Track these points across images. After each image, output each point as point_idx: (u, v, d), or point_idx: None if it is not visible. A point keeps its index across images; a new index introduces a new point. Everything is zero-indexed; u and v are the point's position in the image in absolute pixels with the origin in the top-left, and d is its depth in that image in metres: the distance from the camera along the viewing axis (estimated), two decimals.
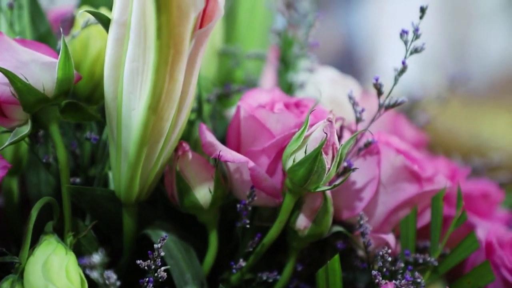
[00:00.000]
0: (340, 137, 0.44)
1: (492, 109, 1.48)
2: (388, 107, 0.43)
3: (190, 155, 0.41)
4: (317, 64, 0.50)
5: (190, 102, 0.40)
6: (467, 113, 1.50)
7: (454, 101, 1.54)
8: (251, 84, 0.51)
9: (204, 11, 0.38)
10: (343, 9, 3.01)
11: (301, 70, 0.49)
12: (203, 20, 0.38)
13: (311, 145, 0.39)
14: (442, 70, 1.48)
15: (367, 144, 0.43)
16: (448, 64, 1.49)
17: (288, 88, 0.49)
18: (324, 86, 0.49)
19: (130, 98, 0.38)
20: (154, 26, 0.36)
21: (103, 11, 0.45)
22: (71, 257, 0.38)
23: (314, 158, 0.39)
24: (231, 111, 0.47)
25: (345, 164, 0.42)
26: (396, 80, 0.42)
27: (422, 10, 0.41)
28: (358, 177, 0.43)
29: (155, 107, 0.37)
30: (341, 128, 0.44)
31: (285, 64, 0.49)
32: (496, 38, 1.44)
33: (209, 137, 0.41)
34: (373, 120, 0.43)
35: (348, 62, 2.76)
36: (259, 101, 0.43)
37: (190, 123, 0.45)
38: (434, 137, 1.56)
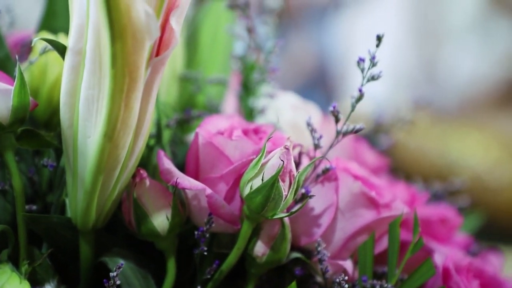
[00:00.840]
0: (298, 164, 0.44)
1: (462, 127, 1.49)
2: (346, 133, 0.43)
3: (147, 182, 0.41)
4: (278, 90, 0.50)
5: (147, 129, 0.40)
6: (438, 131, 1.52)
7: (425, 119, 1.56)
8: (213, 109, 0.51)
9: (161, 39, 0.38)
10: (316, 26, 3.03)
11: (262, 95, 0.49)
12: (159, 48, 0.38)
13: (268, 173, 0.39)
14: (413, 89, 1.49)
15: (325, 171, 0.43)
16: (419, 83, 1.51)
17: (249, 113, 0.50)
18: (285, 111, 0.49)
19: (86, 125, 0.38)
20: (109, 55, 0.36)
21: (62, 37, 0.45)
22: (26, 286, 0.38)
23: (271, 186, 0.39)
24: (192, 137, 0.47)
25: (303, 190, 0.42)
26: (353, 106, 0.43)
27: (379, 39, 0.42)
28: (316, 204, 0.43)
29: (110, 135, 0.37)
30: (300, 154, 0.44)
31: (246, 89, 0.49)
32: (465, 57, 1.46)
33: (167, 164, 0.41)
34: (331, 147, 0.43)
35: (322, 79, 2.78)
36: (218, 128, 0.43)
37: (149, 149, 0.45)
38: (405, 155, 1.58)
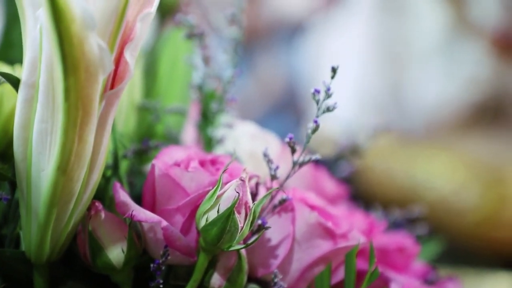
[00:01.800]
0: (256, 194, 0.44)
1: (428, 150, 1.51)
2: (303, 164, 0.43)
3: (103, 214, 0.41)
4: (237, 119, 0.50)
5: (102, 161, 0.40)
6: (404, 154, 1.53)
7: (392, 142, 1.57)
8: (173, 138, 0.51)
9: (115, 72, 0.38)
10: (285, 48, 3.05)
11: (221, 125, 0.49)
12: (114, 81, 0.38)
13: (224, 204, 0.39)
14: (379, 112, 1.51)
15: (282, 202, 0.43)
16: (386, 106, 1.52)
17: (208, 143, 0.50)
18: (244, 141, 0.50)
19: (39, 159, 0.38)
20: (62, 88, 0.36)
21: (18, 68, 0.44)
22: None
23: (227, 218, 0.39)
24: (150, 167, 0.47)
25: (259, 222, 0.42)
26: (308, 137, 0.43)
27: (334, 70, 0.42)
28: (273, 235, 0.43)
29: (64, 168, 0.37)
30: (257, 185, 0.44)
31: (205, 119, 0.50)
32: (431, 80, 1.48)
33: (123, 196, 0.41)
34: (287, 178, 0.43)
35: (291, 101, 2.80)
36: (174, 159, 0.43)
37: (106, 180, 0.45)
38: (372, 178, 1.58)
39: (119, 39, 0.37)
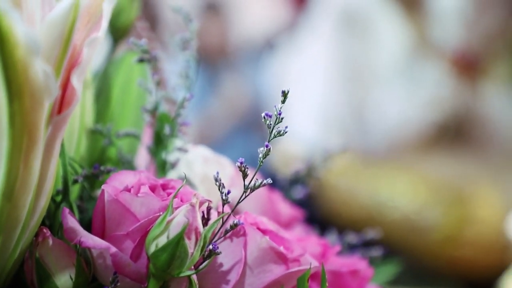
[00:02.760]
0: (207, 219, 0.44)
1: (391, 170, 1.52)
2: (254, 188, 0.43)
3: (50, 241, 0.40)
4: (189, 143, 0.50)
5: (50, 186, 0.39)
6: (368, 173, 1.54)
7: (356, 162, 1.58)
8: (126, 163, 0.50)
9: (62, 97, 0.38)
10: (251, 67, 3.06)
11: (174, 149, 0.49)
12: (61, 106, 0.38)
13: (174, 230, 0.39)
14: (343, 132, 1.52)
15: (233, 226, 0.43)
16: (349, 126, 1.53)
17: (161, 167, 0.49)
18: (197, 165, 0.49)
19: None
20: (6, 114, 0.35)
21: None
22: None
23: (176, 244, 0.39)
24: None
25: (210, 247, 0.42)
26: (260, 161, 0.43)
27: (284, 95, 0.42)
28: (224, 260, 0.43)
29: (9, 195, 0.37)
30: (208, 209, 0.44)
31: (158, 143, 0.49)
32: (393, 101, 1.49)
33: (71, 222, 0.41)
34: (238, 202, 0.43)
35: (258, 119, 2.80)
36: (125, 184, 0.43)
37: (56, 206, 0.44)
38: (336, 197, 1.59)
39: (66, 63, 0.37)
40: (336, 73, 1.51)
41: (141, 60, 0.48)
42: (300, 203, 0.60)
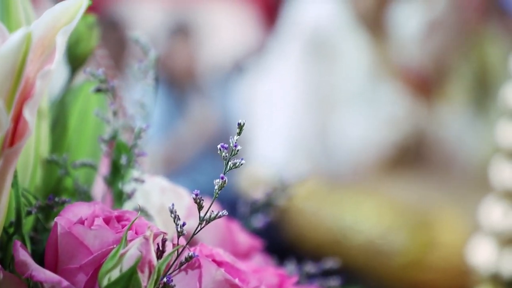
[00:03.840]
0: (162, 251, 0.43)
1: (356, 193, 1.53)
2: (210, 220, 0.43)
3: (1, 274, 0.40)
4: (146, 173, 0.50)
5: (1, 219, 0.39)
6: (333, 197, 1.55)
7: (321, 185, 1.58)
8: (82, 193, 0.50)
9: (14, 129, 0.38)
10: (219, 90, 3.07)
11: (131, 179, 0.49)
12: (13, 139, 0.38)
13: (127, 263, 0.39)
14: (309, 155, 1.52)
15: (188, 259, 0.43)
16: (315, 150, 1.53)
17: (118, 197, 0.49)
18: (154, 195, 0.49)
19: None
20: None
21: None
22: None
23: (129, 277, 0.38)
24: None
25: (164, 280, 0.42)
26: (216, 193, 0.42)
27: (240, 127, 0.42)
28: None
29: None
30: (164, 242, 0.44)
31: (115, 173, 0.49)
32: (356, 124, 1.50)
33: (22, 255, 0.40)
34: (193, 234, 0.43)
35: (226, 143, 2.80)
36: (79, 216, 0.42)
37: (9, 238, 0.44)
38: (302, 220, 1.59)
39: (18, 96, 0.37)
40: (302, 97, 1.52)
41: (98, 90, 0.48)
42: (264, 228, 0.60)
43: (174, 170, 2.66)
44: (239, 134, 0.42)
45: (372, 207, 1.48)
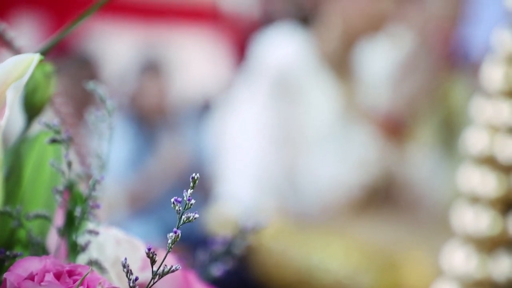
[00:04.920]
0: None
1: (324, 233, 1.53)
2: (163, 274, 0.42)
3: None
4: (102, 225, 0.49)
5: None
6: (301, 236, 1.54)
7: (289, 224, 1.58)
8: (36, 245, 0.49)
9: None
10: (190, 126, 3.07)
11: (86, 231, 0.48)
12: None
13: None
14: (278, 195, 1.52)
15: None
16: (284, 189, 1.53)
17: (73, 250, 0.48)
18: (108, 247, 0.49)
19: None
20: None
21: None
22: None
23: None
24: None
25: None
26: (170, 247, 0.42)
27: (194, 181, 0.42)
28: None
29: None
30: None
31: (69, 224, 0.48)
32: (325, 164, 1.51)
33: None
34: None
35: (198, 181, 2.79)
36: (29, 271, 0.42)
37: None
38: (270, 260, 1.58)
39: None
40: (270, 136, 1.52)
41: (53, 141, 0.48)
42: (232, 267, 0.60)
43: (143, 208, 2.64)
44: (192, 188, 0.42)
45: (340, 248, 1.48)
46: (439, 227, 1.39)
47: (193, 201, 0.42)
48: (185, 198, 0.42)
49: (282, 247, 1.54)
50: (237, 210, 1.61)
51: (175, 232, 0.42)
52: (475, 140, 0.81)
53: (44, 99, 0.55)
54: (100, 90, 0.52)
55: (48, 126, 0.48)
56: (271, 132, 1.52)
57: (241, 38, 3.08)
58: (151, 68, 2.94)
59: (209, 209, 1.73)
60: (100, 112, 0.53)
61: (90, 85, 0.52)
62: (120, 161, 2.72)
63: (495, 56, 0.81)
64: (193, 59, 4.19)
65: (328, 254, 1.48)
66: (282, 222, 1.51)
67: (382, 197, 1.54)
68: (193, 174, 0.42)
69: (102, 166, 0.51)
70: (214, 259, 0.60)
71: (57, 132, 0.48)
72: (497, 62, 0.80)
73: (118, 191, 2.58)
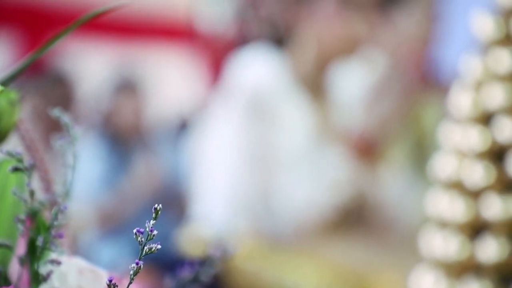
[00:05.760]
0: None
1: (297, 254, 1.53)
2: None
3: None
4: (65, 254, 0.49)
5: None
6: (274, 257, 1.54)
7: (262, 245, 1.58)
8: None
9: None
10: (166, 146, 3.06)
11: (48, 260, 0.48)
12: None
13: None
14: (251, 216, 1.52)
15: None
16: (257, 211, 1.53)
17: (35, 279, 0.48)
18: (71, 276, 0.48)
19: None
20: None
21: None
22: None
23: None
24: None
25: None
26: (131, 278, 0.42)
27: (156, 212, 0.42)
28: None
29: None
30: None
31: (31, 254, 0.48)
32: (299, 186, 1.51)
33: None
34: None
35: (172, 198, 2.79)
36: None
37: None
38: (243, 280, 1.58)
39: None
40: (244, 157, 1.52)
41: (15, 170, 0.47)
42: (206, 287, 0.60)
43: (116, 227, 2.63)
44: (155, 219, 0.42)
45: (313, 269, 1.48)
46: (411, 249, 1.39)
47: (155, 232, 0.42)
48: (147, 229, 0.42)
49: (255, 269, 1.53)
50: (210, 231, 1.60)
51: (137, 264, 0.42)
52: (444, 165, 0.82)
53: (8, 126, 0.54)
54: (65, 117, 0.51)
55: (10, 155, 0.47)
56: (245, 153, 1.52)
57: (217, 58, 3.08)
58: (127, 87, 2.93)
59: (183, 229, 1.72)
60: (65, 140, 0.52)
61: (55, 112, 0.52)
62: (94, 180, 2.70)
63: (463, 82, 0.82)
64: (169, 78, 4.19)
65: (301, 275, 1.48)
66: (255, 243, 1.51)
67: (354, 218, 1.54)
68: (156, 205, 0.42)
69: (66, 195, 0.50)
70: (182, 286, 0.60)
71: (20, 160, 0.47)
72: (465, 88, 0.81)
73: (90, 210, 2.56)
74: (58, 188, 0.51)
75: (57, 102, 2.53)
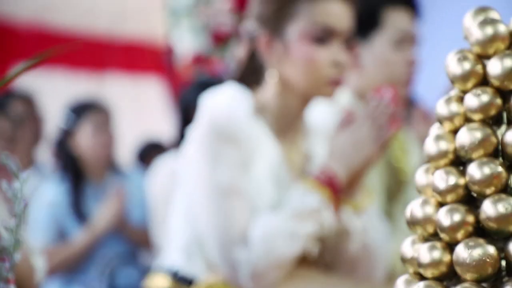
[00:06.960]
0: None
1: None
2: None
3: None
4: None
5: None
6: None
7: None
8: None
9: None
10: (137, 177, 2.99)
11: None
12: None
13: None
14: (210, 264, 1.47)
15: None
16: (215, 257, 1.47)
17: None
18: None
19: None
20: None
21: None
22: None
23: None
24: None
25: None
26: None
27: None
28: None
29: None
30: None
31: None
32: (257, 228, 1.46)
33: None
34: None
35: (144, 242, 2.74)
36: None
37: None
38: None
39: None
40: (204, 197, 1.47)
41: None
42: None
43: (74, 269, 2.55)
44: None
45: None
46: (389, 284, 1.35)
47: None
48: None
49: None
50: (166, 278, 1.54)
51: None
52: (417, 209, 0.79)
53: None
54: (12, 163, 0.48)
55: None
56: (206, 191, 1.47)
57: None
58: (95, 117, 2.85)
59: (147, 278, 1.67)
60: (13, 186, 0.48)
61: (2, 158, 0.48)
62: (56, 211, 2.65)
63: (437, 128, 0.79)
64: (139, 108, 4.13)
65: None
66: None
67: (323, 263, 1.50)
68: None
69: (16, 244, 0.46)
70: None
71: None
72: (441, 133, 0.78)
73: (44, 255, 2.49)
74: (4, 233, 0.47)
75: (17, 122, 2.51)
